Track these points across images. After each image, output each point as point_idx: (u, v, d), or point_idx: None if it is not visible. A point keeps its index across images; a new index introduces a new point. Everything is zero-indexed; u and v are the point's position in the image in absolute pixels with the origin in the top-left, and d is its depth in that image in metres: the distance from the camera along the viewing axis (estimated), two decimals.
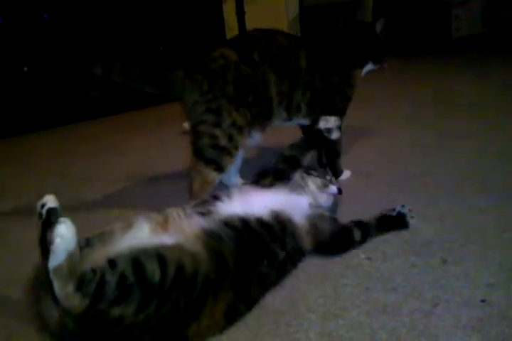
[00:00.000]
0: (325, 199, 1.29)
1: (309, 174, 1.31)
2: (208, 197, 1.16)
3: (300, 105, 1.55)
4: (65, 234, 0.84)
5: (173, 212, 1.06)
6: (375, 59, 1.66)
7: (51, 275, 0.83)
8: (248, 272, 1.00)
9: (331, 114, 1.56)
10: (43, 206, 0.91)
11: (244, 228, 1.05)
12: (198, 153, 1.42)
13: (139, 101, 3.25)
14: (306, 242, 1.16)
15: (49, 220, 0.89)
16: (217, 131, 1.40)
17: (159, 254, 0.89)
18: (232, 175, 1.64)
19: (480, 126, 2.15)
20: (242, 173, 1.67)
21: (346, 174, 1.70)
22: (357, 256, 1.19)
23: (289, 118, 1.57)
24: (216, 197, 1.13)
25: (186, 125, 2.39)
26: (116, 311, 0.83)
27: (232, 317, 0.96)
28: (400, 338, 0.89)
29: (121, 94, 3.22)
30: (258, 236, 1.06)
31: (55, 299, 0.84)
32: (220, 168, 1.42)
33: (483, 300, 0.97)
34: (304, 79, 1.51)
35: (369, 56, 1.65)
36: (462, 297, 0.99)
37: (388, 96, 3.02)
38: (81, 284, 0.82)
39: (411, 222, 1.30)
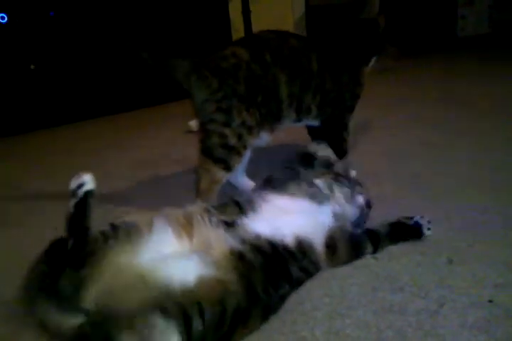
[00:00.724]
0: (351, 211, 1.23)
1: (338, 181, 1.25)
2: (228, 201, 1.13)
3: (310, 107, 1.54)
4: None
5: (197, 214, 1.03)
6: (379, 52, 1.69)
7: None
8: (274, 298, 0.98)
9: (340, 112, 1.57)
10: (79, 186, 0.92)
11: (273, 253, 1.01)
12: (206, 152, 1.42)
13: (144, 100, 3.27)
14: (323, 262, 1.12)
15: (85, 202, 0.91)
16: (227, 131, 1.39)
17: (200, 306, 0.85)
18: (239, 174, 1.64)
19: (486, 125, 2.14)
20: (248, 172, 1.68)
21: (352, 174, 1.69)
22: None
23: (299, 120, 1.57)
24: (238, 205, 1.10)
25: (191, 124, 2.40)
26: None
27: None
28: (406, 337, 0.89)
29: (126, 93, 3.23)
30: (283, 262, 1.02)
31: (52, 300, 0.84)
32: (228, 167, 1.42)
33: (490, 301, 0.97)
34: (316, 82, 1.51)
35: (374, 51, 1.67)
36: (469, 297, 0.99)
37: (393, 95, 3.02)
38: None
39: (427, 233, 1.24)
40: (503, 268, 1.08)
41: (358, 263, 1.16)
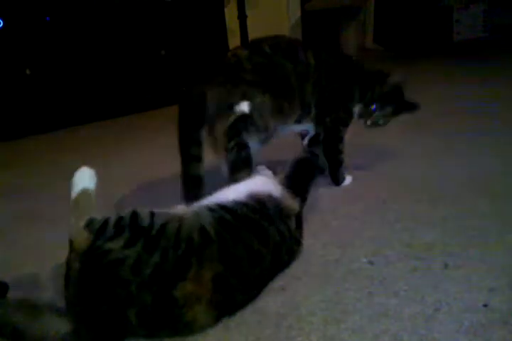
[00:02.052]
0: None
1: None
2: None
3: (310, 105, 1.57)
4: (86, 172, 1.07)
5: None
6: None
7: (72, 206, 1.00)
8: (233, 244, 1.01)
9: (334, 125, 1.60)
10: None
11: (224, 208, 1.08)
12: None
13: (141, 104, 3.26)
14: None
15: None
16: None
17: (151, 211, 1.00)
18: None
19: (481, 130, 2.14)
20: None
21: (348, 180, 1.69)
22: (359, 260, 1.19)
23: (299, 120, 1.58)
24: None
25: None
26: (108, 245, 0.92)
27: (221, 289, 0.95)
28: None
29: (123, 97, 3.23)
30: (239, 213, 1.07)
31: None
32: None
33: (485, 305, 0.97)
34: (313, 76, 1.54)
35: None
36: (464, 301, 0.99)
37: None
38: (90, 223, 0.95)
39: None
40: (499, 273, 1.08)
41: (353, 267, 1.16)
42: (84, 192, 1.03)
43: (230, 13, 3.76)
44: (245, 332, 0.96)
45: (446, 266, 1.13)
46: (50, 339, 0.88)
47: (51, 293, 1.13)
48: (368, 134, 2.25)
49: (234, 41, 3.76)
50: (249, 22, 3.82)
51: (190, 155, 1.43)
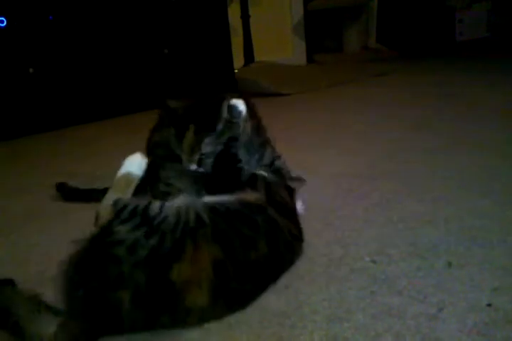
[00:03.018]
0: None
1: None
2: None
3: None
4: (137, 158, 1.23)
5: None
6: None
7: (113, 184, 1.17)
8: (225, 227, 1.01)
9: None
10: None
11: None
12: None
13: (145, 103, 3.26)
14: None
15: None
16: None
17: (162, 203, 1.04)
18: None
19: (484, 129, 2.14)
20: None
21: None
22: (361, 259, 1.19)
23: None
24: None
25: None
26: (118, 228, 0.97)
27: (220, 273, 0.94)
28: None
29: (127, 96, 3.24)
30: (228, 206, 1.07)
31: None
32: None
33: (489, 304, 0.97)
34: None
35: None
36: (467, 301, 0.99)
37: (391, 99, 3.02)
38: (116, 203, 1.03)
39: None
40: (502, 272, 1.08)
41: (356, 266, 1.16)
42: (126, 176, 1.19)
43: (233, 12, 3.76)
44: (248, 331, 0.96)
45: (449, 265, 1.12)
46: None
47: (55, 291, 1.13)
48: (371, 134, 2.26)
49: (237, 40, 3.76)
50: (252, 21, 3.82)
51: None
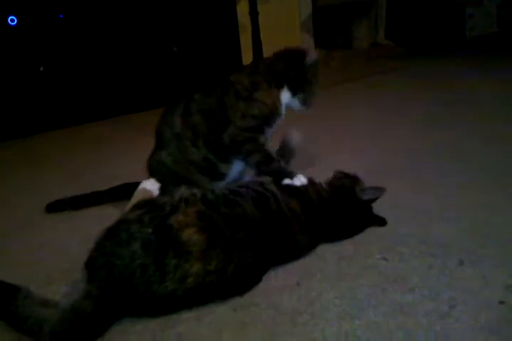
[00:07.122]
0: None
1: None
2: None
3: None
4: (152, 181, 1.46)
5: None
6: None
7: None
8: (214, 197, 1.20)
9: None
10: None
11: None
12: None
13: (155, 101, 3.27)
14: None
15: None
16: None
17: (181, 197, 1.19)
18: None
19: (494, 126, 2.13)
20: None
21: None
22: (373, 256, 1.19)
23: None
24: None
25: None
26: (136, 212, 1.12)
27: (203, 219, 1.09)
28: (417, 339, 0.89)
29: (138, 94, 3.25)
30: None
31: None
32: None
33: (501, 302, 0.97)
34: None
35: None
36: (480, 298, 0.99)
37: (401, 96, 3.01)
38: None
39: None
40: None
41: (368, 264, 1.16)
42: (143, 190, 1.42)
43: (242, 9, 3.76)
44: (260, 328, 0.97)
45: (461, 262, 1.12)
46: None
47: (64, 289, 1.15)
48: (381, 130, 2.25)
49: (245, 37, 3.76)
50: (260, 18, 3.81)
51: None
